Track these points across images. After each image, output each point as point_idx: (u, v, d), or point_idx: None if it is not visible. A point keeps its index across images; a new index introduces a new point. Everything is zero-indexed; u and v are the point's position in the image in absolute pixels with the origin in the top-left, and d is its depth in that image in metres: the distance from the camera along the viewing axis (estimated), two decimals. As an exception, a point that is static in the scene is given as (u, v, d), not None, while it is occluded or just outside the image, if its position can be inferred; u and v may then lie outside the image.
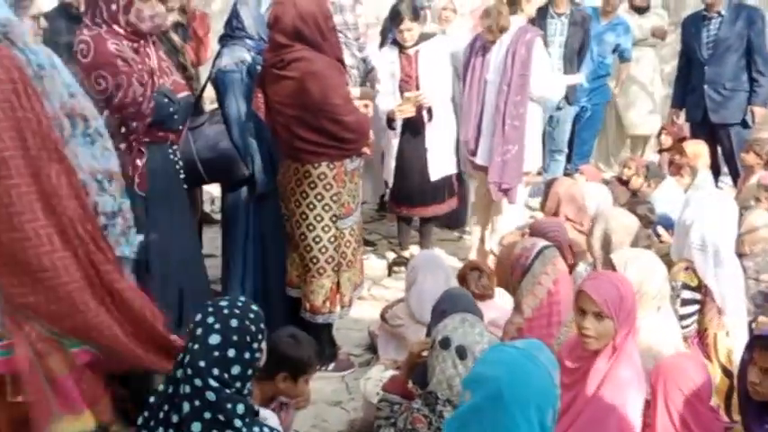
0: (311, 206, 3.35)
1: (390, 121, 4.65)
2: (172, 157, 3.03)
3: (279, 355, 2.46)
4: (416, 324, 3.23)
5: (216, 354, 1.90)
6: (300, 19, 3.17)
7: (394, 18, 4.56)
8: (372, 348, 3.72)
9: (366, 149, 3.52)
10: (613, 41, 6.21)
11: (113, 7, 2.73)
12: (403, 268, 4.66)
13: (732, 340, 2.80)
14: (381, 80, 4.67)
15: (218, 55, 3.56)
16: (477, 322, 2.37)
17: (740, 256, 3.04)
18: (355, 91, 3.99)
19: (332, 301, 3.50)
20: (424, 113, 4.59)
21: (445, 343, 2.27)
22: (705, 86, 5.38)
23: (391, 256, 5.13)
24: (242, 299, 2.08)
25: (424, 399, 2.32)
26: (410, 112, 4.53)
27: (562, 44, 5.65)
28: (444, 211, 4.96)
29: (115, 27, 2.75)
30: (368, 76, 4.73)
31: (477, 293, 3.34)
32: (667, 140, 5.73)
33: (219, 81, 3.49)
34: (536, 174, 4.99)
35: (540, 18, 5.75)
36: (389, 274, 4.89)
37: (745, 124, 5.35)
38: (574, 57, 5.63)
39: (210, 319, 1.94)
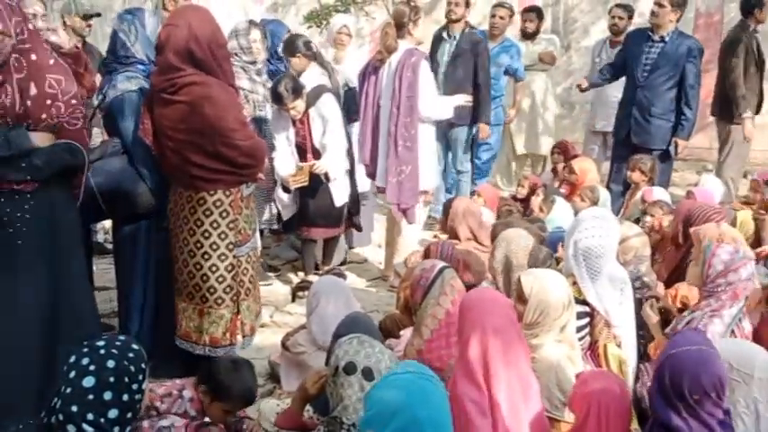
0: (206, 234, 3.26)
1: (285, 188, 4.70)
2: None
3: (209, 369, 2.66)
4: (319, 350, 3.19)
5: (90, 397, 1.80)
6: (194, 41, 3.10)
7: (276, 100, 4.59)
8: (274, 377, 3.65)
9: (261, 175, 3.46)
10: (506, 63, 6.40)
11: None
12: (307, 293, 4.62)
13: (624, 350, 2.91)
14: (278, 142, 4.74)
15: (108, 83, 3.45)
16: (373, 341, 2.35)
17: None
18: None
19: (232, 332, 3.42)
20: (322, 177, 4.65)
21: (350, 368, 2.23)
22: (633, 107, 5.44)
23: (295, 280, 5.08)
24: (121, 337, 1.98)
25: (327, 425, 2.27)
26: (304, 182, 4.60)
27: (447, 66, 5.75)
28: (343, 231, 5.09)
29: None
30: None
31: None
32: (558, 159, 5.94)
33: (116, 107, 3.40)
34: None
35: (436, 41, 5.89)
36: (293, 300, 4.84)
37: (667, 155, 5.47)
38: (463, 79, 5.69)
39: (85, 361, 1.84)
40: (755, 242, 4.28)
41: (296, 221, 4.97)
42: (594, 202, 4.66)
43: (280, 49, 5.19)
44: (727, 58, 6.16)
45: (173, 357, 3.46)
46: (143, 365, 1.94)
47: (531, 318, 2.64)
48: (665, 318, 3.31)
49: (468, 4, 5.81)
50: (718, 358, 2.24)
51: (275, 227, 5.27)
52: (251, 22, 4.83)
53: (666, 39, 5.35)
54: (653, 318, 3.12)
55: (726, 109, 6.21)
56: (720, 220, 3.72)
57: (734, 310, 2.89)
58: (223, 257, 3.29)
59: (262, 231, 5.18)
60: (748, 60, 6.11)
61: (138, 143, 3.36)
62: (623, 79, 5.77)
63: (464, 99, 5.18)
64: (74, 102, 2.73)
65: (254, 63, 4.76)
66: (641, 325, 3.16)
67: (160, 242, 3.46)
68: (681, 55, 5.31)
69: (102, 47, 5.01)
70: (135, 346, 1.96)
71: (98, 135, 3.98)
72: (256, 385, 2.81)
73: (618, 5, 6.79)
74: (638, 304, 3.20)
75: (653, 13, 5.41)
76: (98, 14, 5.37)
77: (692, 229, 3.61)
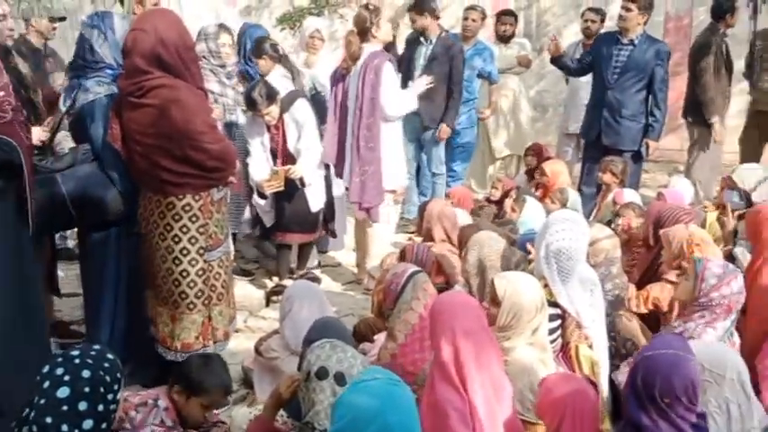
0: (176, 239, 3.23)
1: (261, 193, 4.69)
2: None
3: (180, 368, 2.69)
4: (292, 355, 3.16)
5: (65, 408, 1.77)
6: (161, 44, 3.07)
7: (250, 106, 4.58)
8: (248, 383, 3.61)
9: (233, 179, 3.44)
10: (479, 66, 6.42)
11: None
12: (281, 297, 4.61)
13: (596, 351, 2.93)
14: (252, 148, 4.74)
15: (77, 88, 3.39)
16: (345, 345, 2.34)
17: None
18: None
19: (204, 336, 3.38)
20: (297, 182, 4.65)
21: (322, 373, 2.22)
22: (604, 109, 5.47)
23: (270, 285, 5.05)
24: (96, 347, 1.95)
25: (300, 430, 2.27)
26: (279, 186, 4.59)
27: (423, 69, 5.74)
28: (318, 237, 5.09)
29: None
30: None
31: None
32: (532, 161, 5.97)
33: (87, 112, 3.35)
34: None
35: (412, 44, 5.89)
36: (267, 304, 4.80)
37: (637, 156, 5.52)
38: (439, 82, 5.64)
39: (59, 371, 1.81)
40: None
41: (272, 226, 4.95)
42: (564, 204, 4.69)
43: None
44: (697, 62, 6.24)
45: (147, 364, 3.43)
46: (118, 375, 1.93)
47: (504, 320, 2.65)
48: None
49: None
50: (693, 363, 2.26)
51: (248, 231, 5.24)
52: (220, 26, 4.81)
53: (635, 42, 5.40)
54: (635, 329, 3.14)
55: (696, 111, 6.29)
56: (690, 221, 3.76)
57: (727, 323, 2.93)
58: (194, 262, 3.26)
59: (235, 235, 5.16)
60: (718, 63, 6.19)
61: (107, 148, 3.31)
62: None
63: (426, 81, 5.16)
64: (1, 93, 2.66)
65: (223, 66, 4.73)
66: (612, 325, 3.19)
67: (130, 248, 3.42)
68: (649, 58, 5.37)
69: (71, 50, 4.96)
70: (110, 356, 1.94)
71: (66, 139, 3.91)
72: (229, 377, 2.82)
73: (590, 9, 6.86)
74: (611, 306, 3.23)
75: (620, 17, 5.47)
76: (63, 18, 5.30)
77: (661, 231, 3.65)
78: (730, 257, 3.89)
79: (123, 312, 3.48)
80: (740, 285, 2.93)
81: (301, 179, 4.66)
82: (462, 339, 2.23)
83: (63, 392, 1.78)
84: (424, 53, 5.84)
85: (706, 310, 2.91)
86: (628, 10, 5.35)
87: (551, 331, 2.80)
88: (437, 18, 5.80)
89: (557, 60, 5.92)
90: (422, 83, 5.16)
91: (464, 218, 4.59)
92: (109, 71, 3.40)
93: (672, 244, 3.52)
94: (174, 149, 3.13)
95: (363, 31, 4.73)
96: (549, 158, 5.83)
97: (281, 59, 4.87)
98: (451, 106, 5.80)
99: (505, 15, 6.96)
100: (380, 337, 3.39)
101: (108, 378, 1.86)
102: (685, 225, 3.66)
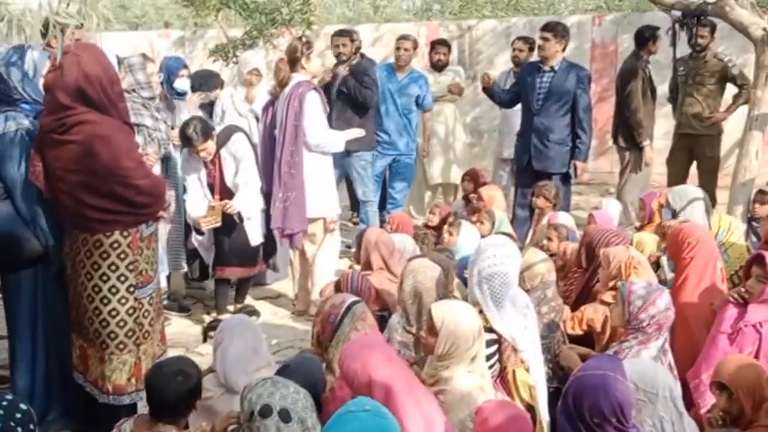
0: (104, 278, 3.13)
1: (198, 230, 4.64)
2: None
3: None
4: (226, 393, 3.07)
5: (-24, 459, 1.68)
6: (85, 79, 3.00)
7: (186, 143, 4.55)
8: (184, 424, 3.49)
9: (163, 213, 3.36)
10: (416, 93, 6.50)
11: None
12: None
13: (532, 375, 2.94)
14: (189, 183, 4.71)
15: None
16: (287, 381, 2.29)
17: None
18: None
19: (138, 377, 3.27)
20: (235, 217, 4.62)
21: (266, 411, 2.15)
22: (532, 135, 5.63)
23: (207, 320, 4.95)
24: (8, 397, 1.87)
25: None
26: (216, 222, 4.55)
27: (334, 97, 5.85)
28: (259, 271, 5.05)
29: None
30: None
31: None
32: (469, 186, 6.04)
33: None
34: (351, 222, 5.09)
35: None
36: (205, 340, 4.69)
37: (567, 177, 5.69)
38: (356, 107, 5.84)
39: (-33, 425, 1.72)
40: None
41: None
42: (492, 223, 4.78)
43: (176, 85, 5.12)
44: (624, 87, 6.46)
45: (72, 411, 3.29)
46: (32, 426, 1.86)
47: (442, 349, 2.63)
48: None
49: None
50: (621, 383, 2.29)
51: (184, 269, 5.12)
52: (144, 56, 4.73)
53: (556, 68, 5.61)
54: (578, 362, 3.18)
55: (626, 135, 6.50)
56: (620, 242, 3.86)
57: (660, 341, 2.99)
58: (123, 301, 3.17)
59: (169, 274, 5.06)
60: (644, 88, 6.43)
61: (26, 187, 3.19)
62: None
63: (357, 133, 5.21)
64: None
65: (153, 99, 4.65)
66: (548, 347, 3.22)
67: (49, 288, 3.30)
68: (570, 83, 5.58)
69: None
70: (23, 406, 1.88)
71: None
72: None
73: (518, 38, 7.04)
74: (547, 329, 3.26)
75: (540, 47, 5.71)
76: None
77: (602, 251, 3.73)
78: (656, 264, 4.00)
79: (43, 357, 3.33)
80: (666, 302, 3.00)
81: (239, 214, 4.61)
82: (386, 379, 2.23)
83: (-27, 444, 1.70)
84: (339, 81, 5.93)
85: (639, 332, 2.97)
86: (545, 39, 5.59)
87: (488, 357, 2.80)
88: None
89: (488, 91, 6.09)
90: (355, 132, 5.20)
91: (408, 242, 4.58)
92: (25, 106, 3.29)
93: (611, 264, 3.59)
94: (101, 186, 3.04)
95: (293, 61, 4.78)
96: (484, 183, 5.91)
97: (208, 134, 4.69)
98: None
99: (439, 45, 7.07)
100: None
101: (20, 430, 1.80)
102: (626, 247, 3.75)
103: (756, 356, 3.13)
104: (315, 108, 4.70)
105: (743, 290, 3.34)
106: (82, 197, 3.05)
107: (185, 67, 5.30)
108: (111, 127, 3.06)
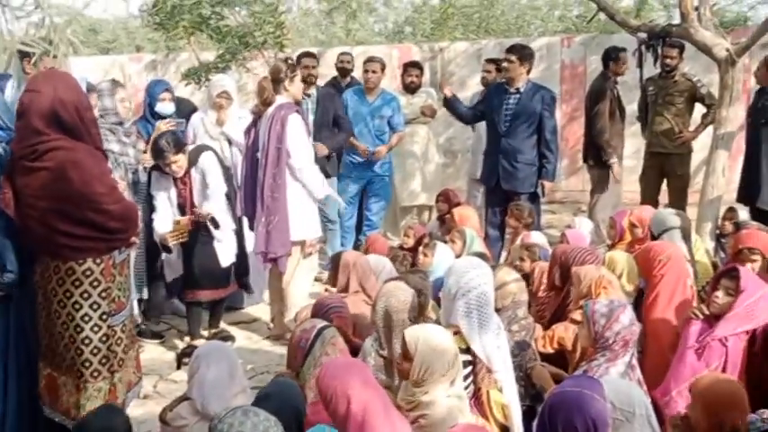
0: (77, 306, 3.09)
1: (165, 247, 4.59)
2: None
3: None
4: (201, 421, 3.04)
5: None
6: (60, 105, 3.00)
7: (158, 155, 4.53)
8: (157, 455, 3.44)
9: (135, 239, 3.34)
10: (389, 115, 6.55)
11: None
12: (192, 359, 4.46)
13: (506, 394, 2.95)
14: (158, 202, 4.68)
15: None
16: (257, 409, 2.27)
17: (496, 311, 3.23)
18: None
19: (112, 405, 3.23)
20: (209, 225, 4.61)
21: None
22: (500, 156, 5.69)
23: (181, 346, 4.89)
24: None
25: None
26: (183, 237, 4.53)
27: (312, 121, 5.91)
28: (230, 292, 5.00)
29: None
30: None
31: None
32: (443, 207, 6.07)
33: None
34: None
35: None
36: (179, 367, 4.64)
37: (535, 196, 5.74)
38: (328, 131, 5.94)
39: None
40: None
41: (180, 284, 4.81)
42: (464, 242, 4.80)
43: (157, 108, 5.10)
44: (592, 107, 6.58)
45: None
46: None
47: (417, 375, 2.61)
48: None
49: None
50: (598, 402, 2.30)
51: (146, 296, 5.06)
52: (114, 81, 4.72)
53: (521, 90, 5.68)
54: (549, 382, 3.20)
55: (595, 155, 6.61)
56: (593, 261, 3.90)
57: (627, 358, 3.02)
58: (96, 329, 3.14)
59: (141, 300, 5.01)
60: (612, 108, 6.56)
61: None
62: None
63: (336, 197, 5.31)
64: None
65: (121, 124, 4.63)
66: (519, 365, 3.24)
67: (20, 317, 3.24)
68: (536, 104, 5.64)
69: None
70: None
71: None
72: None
73: (487, 60, 7.14)
74: (518, 347, 3.28)
75: (505, 69, 5.78)
76: None
77: (573, 269, 3.77)
78: None
79: (15, 387, 3.26)
80: (630, 317, 3.02)
81: (213, 219, 4.57)
82: (363, 401, 2.23)
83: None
84: (310, 107, 5.99)
85: (606, 350, 3.00)
86: (510, 62, 5.67)
87: (464, 378, 2.80)
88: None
89: (450, 105, 6.13)
90: (335, 196, 5.25)
91: (386, 264, 4.58)
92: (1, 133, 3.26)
93: (582, 283, 3.63)
94: (74, 212, 3.02)
95: (276, 81, 4.74)
96: (458, 204, 5.94)
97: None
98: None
99: (412, 67, 7.13)
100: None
101: None
102: (596, 266, 3.79)
103: (724, 370, 3.18)
104: (297, 131, 4.66)
105: (703, 306, 3.40)
106: (54, 224, 3.02)
107: (167, 90, 5.27)
108: (84, 153, 3.04)
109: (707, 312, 3.34)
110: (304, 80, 5.90)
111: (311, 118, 5.95)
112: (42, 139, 2.99)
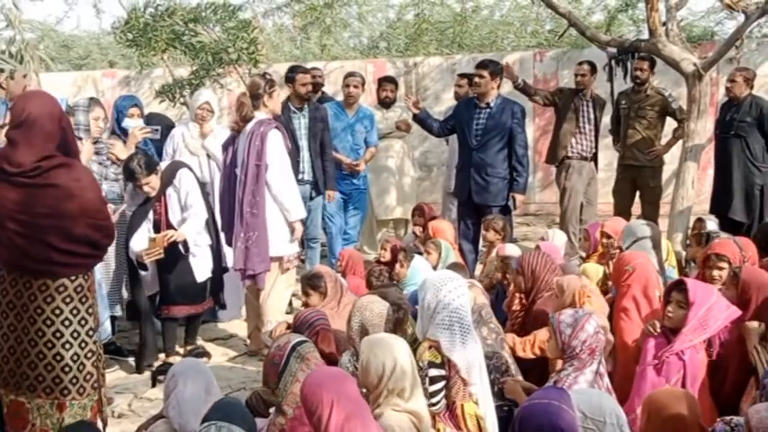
0: (67, 323, 3.05)
1: (141, 264, 4.57)
2: None
3: None
4: (178, 440, 3.02)
5: None
6: (56, 121, 3.00)
7: (129, 177, 4.52)
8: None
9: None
10: (364, 131, 6.60)
11: None
12: (167, 376, 4.42)
13: (481, 407, 2.97)
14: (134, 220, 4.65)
15: None
16: (231, 426, 2.27)
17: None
18: None
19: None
20: (180, 247, 4.59)
21: None
22: (471, 169, 5.72)
23: (156, 363, 4.84)
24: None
25: None
26: (158, 254, 4.50)
27: (307, 137, 5.92)
28: (206, 308, 4.97)
29: None
30: None
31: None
32: (419, 221, 6.10)
33: None
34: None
35: (285, 112, 5.96)
36: (154, 385, 4.59)
37: (506, 209, 5.78)
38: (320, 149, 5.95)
39: None
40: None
41: (156, 301, 4.78)
42: (440, 253, 4.83)
43: (123, 124, 5.08)
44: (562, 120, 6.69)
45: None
46: None
47: (369, 385, 2.61)
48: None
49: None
50: (566, 413, 2.33)
51: (119, 313, 5.02)
52: (92, 99, 4.69)
53: (492, 104, 5.73)
54: (521, 395, 3.22)
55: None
56: (552, 265, 3.98)
57: (594, 366, 3.07)
58: (83, 344, 3.11)
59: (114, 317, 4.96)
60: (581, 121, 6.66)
61: None
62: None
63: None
64: None
65: (96, 142, 4.61)
66: (497, 367, 3.28)
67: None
68: (506, 118, 5.69)
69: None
70: None
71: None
72: None
73: (460, 75, 7.22)
74: (492, 348, 3.31)
75: (476, 84, 5.83)
76: None
77: (555, 279, 3.83)
78: None
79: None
80: (595, 326, 3.08)
81: (184, 243, 4.55)
82: (346, 412, 2.23)
83: None
84: (303, 123, 5.97)
85: (574, 359, 3.05)
86: (480, 77, 5.72)
87: (435, 393, 2.81)
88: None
89: (419, 120, 6.16)
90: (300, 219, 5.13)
91: (359, 283, 4.61)
92: None
93: (565, 293, 3.68)
94: (74, 229, 2.99)
95: (255, 97, 4.74)
96: (434, 217, 5.98)
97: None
98: (328, 172, 6.05)
99: (386, 81, 7.18)
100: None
101: None
102: (578, 276, 3.85)
103: (683, 384, 3.23)
104: (276, 148, 4.65)
105: (656, 321, 3.45)
106: (52, 242, 2.97)
107: (135, 105, 5.24)
108: (81, 169, 3.09)
109: (658, 330, 3.41)
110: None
111: (303, 132, 5.94)
112: (46, 156, 2.96)
